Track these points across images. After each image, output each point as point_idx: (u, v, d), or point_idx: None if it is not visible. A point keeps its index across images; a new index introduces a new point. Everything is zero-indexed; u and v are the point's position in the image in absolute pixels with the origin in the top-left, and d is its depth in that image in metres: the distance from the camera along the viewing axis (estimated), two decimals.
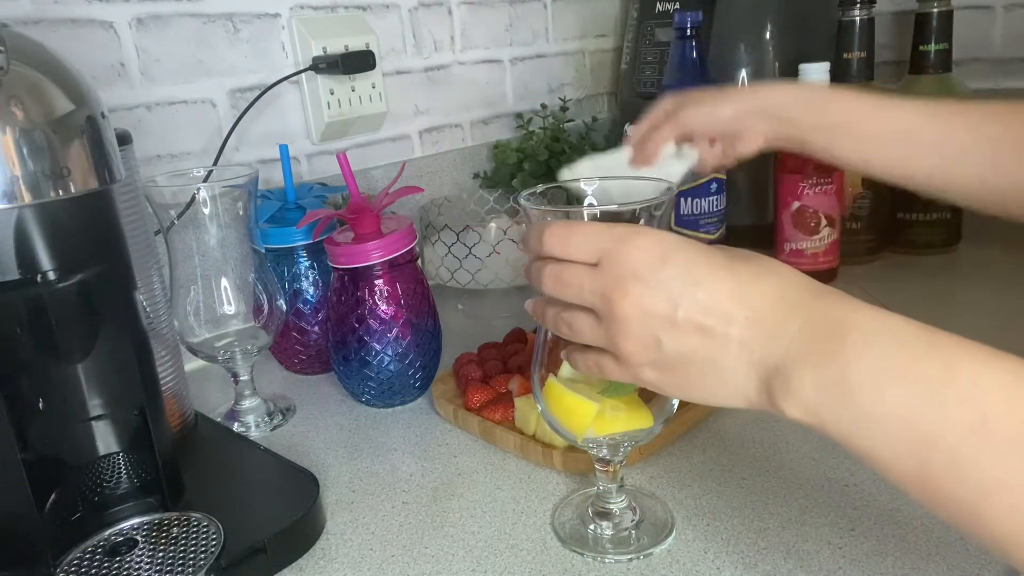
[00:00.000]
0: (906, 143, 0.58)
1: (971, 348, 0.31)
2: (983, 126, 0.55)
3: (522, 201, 0.46)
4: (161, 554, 0.49)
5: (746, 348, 0.36)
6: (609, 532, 0.51)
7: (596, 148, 1.07)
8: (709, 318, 0.36)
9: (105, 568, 0.48)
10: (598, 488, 0.53)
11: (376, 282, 0.69)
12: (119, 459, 0.54)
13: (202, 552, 0.49)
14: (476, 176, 1.13)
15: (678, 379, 0.38)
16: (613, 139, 1.21)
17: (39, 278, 0.47)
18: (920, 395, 0.30)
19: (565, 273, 0.40)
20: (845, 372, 0.32)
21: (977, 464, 0.28)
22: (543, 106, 1.18)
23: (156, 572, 0.48)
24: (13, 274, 0.46)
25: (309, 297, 0.78)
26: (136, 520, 0.53)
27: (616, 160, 0.64)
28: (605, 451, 0.49)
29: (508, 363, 0.71)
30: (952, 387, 0.30)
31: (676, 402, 0.48)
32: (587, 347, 0.42)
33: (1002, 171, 0.54)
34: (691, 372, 0.38)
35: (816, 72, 0.85)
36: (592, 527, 0.52)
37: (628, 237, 0.38)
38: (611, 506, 0.52)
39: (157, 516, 0.53)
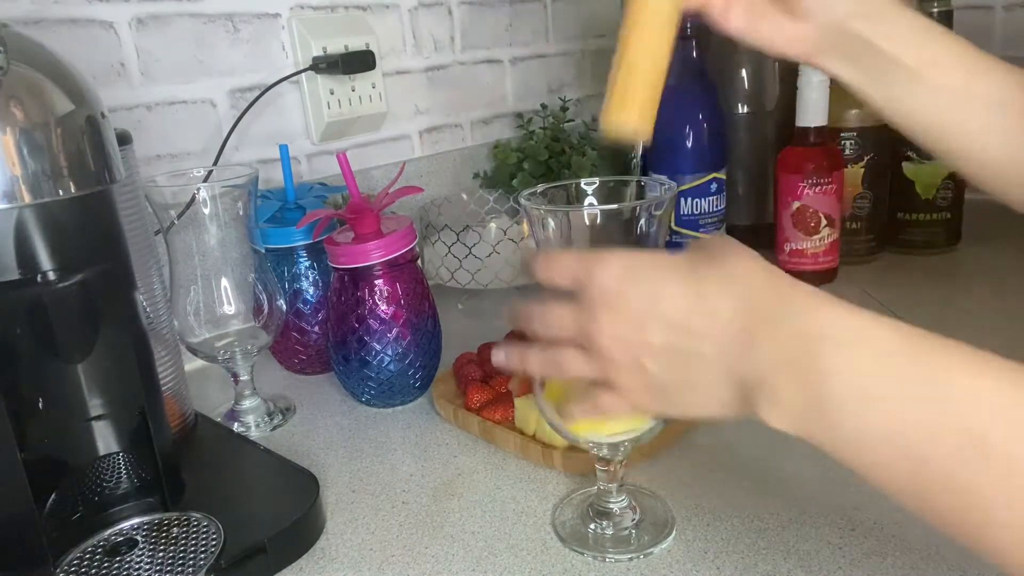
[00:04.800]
0: (991, 112, 0.46)
1: (961, 357, 0.29)
2: None
3: (522, 201, 0.46)
4: (161, 554, 0.49)
5: (722, 364, 0.35)
6: (610, 531, 0.51)
7: (596, 148, 1.07)
8: (679, 336, 0.35)
9: (105, 568, 0.48)
10: (598, 487, 0.53)
11: (376, 282, 0.69)
12: (119, 459, 0.54)
13: (202, 552, 0.49)
14: (476, 176, 1.13)
15: (672, 398, 0.38)
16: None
17: (39, 278, 0.47)
18: (909, 413, 0.29)
19: (548, 313, 0.41)
20: (826, 389, 0.30)
21: (977, 484, 0.27)
22: (543, 106, 1.17)
23: (156, 572, 0.48)
24: (13, 274, 0.46)
25: (309, 297, 0.78)
26: (136, 520, 0.53)
27: None
28: (605, 451, 0.49)
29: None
30: (945, 405, 0.28)
31: None
32: (582, 399, 0.42)
33: None
34: (679, 391, 0.37)
35: (816, 73, 0.85)
36: (592, 526, 0.52)
37: (593, 262, 0.38)
38: (611, 505, 0.52)
39: (157, 516, 0.53)
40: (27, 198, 0.43)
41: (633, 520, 0.52)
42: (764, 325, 0.33)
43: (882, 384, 0.29)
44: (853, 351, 0.30)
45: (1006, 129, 0.47)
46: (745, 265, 0.36)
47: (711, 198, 0.95)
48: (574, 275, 0.39)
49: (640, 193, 0.48)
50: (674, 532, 0.51)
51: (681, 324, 0.35)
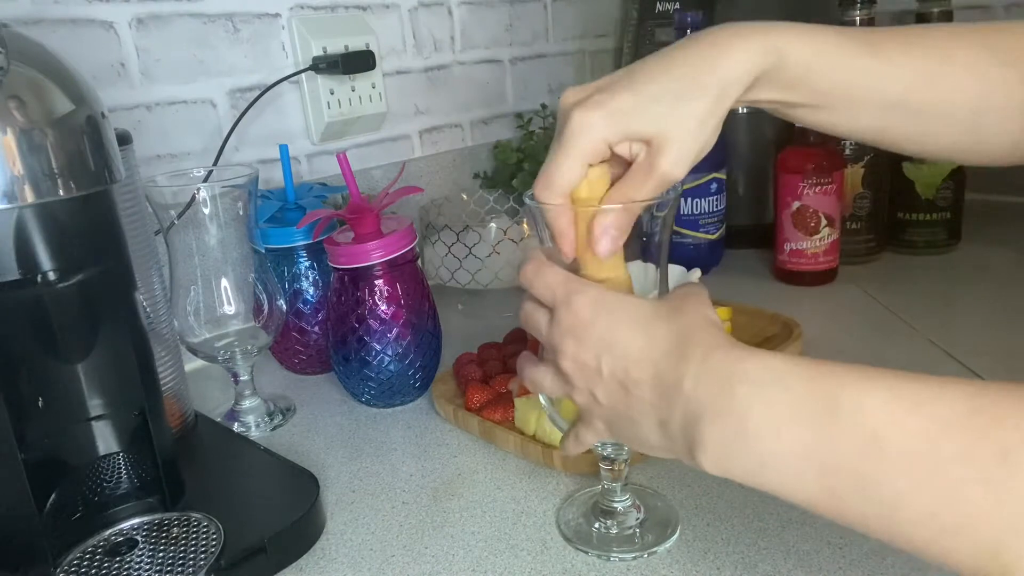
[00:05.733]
0: (888, 111, 0.46)
1: (850, 376, 0.32)
2: (988, 68, 0.44)
3: (526, 201, 0.46)
4: (161, 554, 0.49)
5: (656, 409, 0.37)
6: (614, 530, 0.51)
7: None
8: (624, 375, 0.38)
9: (105, 568, 0.48)
10: (602, 486, 0.53)
11: (376, 282, 0.68)
12: (119, 459, 0.54)
13: (202, 552, 0.49)
14: (476, 176, 1.13)
15: (623, 431, 0.40)
16: None
17: (39, 278, 0.46)
18: (812, 430, 0.32)
19: (532, 315, 0.44)
20: (743, 423, 0.33)
21: (878, 481, 0.30)
22: (543, 106, 1.17)
23: (156, 572, 0.48)
24: (13, 274, 0.46)
25: (309, 297, 0.78)
26: (136, 520, 0.53)
27: None
28: (610, 449, 0.49)
29: (508, 363, 0.71)
30: (838, 416, 0.31)
31: None
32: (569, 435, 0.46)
33: None
34: (627, 425, 0.39)
35: None
36: (597, 525, 0.52)
37: (570, 295, 0.40)
38: (615, 504, 0.52)
39: (157, 516, 0.53)
40: (27, 198, 0.43)
41: (637, 519, 0.52)
42: (687, 374, 0.36)
43: (788, 410, 0.32)
44: (763, 387, 0.33)
45: (910, 125, 0.47)
46: (691, 317, 0.38)
47: (711, 198, 0.95)
48: (554, 295, 0.41)
49: None
50: (678, 531, 0.51)
51: (625, 368, 0.38)
